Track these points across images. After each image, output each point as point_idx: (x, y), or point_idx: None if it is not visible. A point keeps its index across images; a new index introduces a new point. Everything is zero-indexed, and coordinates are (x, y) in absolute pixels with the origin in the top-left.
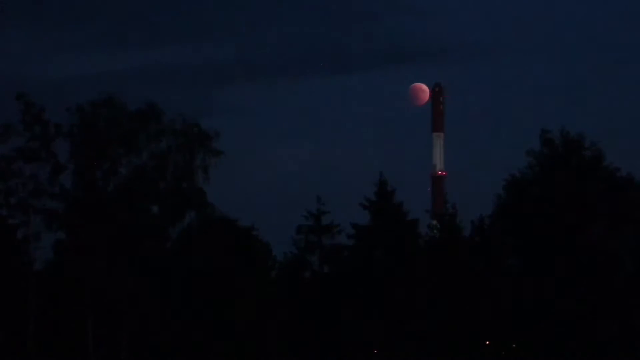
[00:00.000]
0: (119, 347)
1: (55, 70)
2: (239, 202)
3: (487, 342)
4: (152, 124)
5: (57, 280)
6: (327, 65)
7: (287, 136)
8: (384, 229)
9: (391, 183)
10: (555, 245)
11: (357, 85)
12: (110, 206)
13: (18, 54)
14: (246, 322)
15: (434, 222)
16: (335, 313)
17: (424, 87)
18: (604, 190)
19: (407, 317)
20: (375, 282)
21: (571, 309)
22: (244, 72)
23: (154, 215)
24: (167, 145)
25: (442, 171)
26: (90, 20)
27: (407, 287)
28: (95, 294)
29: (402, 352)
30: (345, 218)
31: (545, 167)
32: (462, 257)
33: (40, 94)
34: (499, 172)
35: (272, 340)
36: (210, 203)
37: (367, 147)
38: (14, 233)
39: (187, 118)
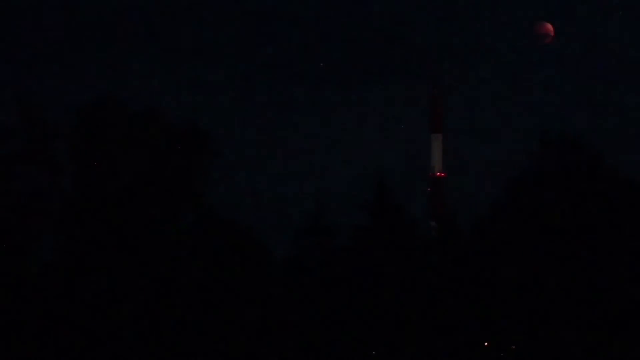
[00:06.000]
0: (119, 348)
1: None
2: (237, 203)
3: (486, 344)
4: (152, 125)
5: (56, 282)
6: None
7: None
8: (383, 230)
9: (390, 184)
10: (555, 246)
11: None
12: (110, 207)
13: None
14: (245, 323)
15: (433, 223)
16: (334, 314)
17: (549, 26)
18: (603, 191)
19: (407, 318)
20: (375, 284)
21: (571, 310)
22: None
23: (153, 216)
24: (166, 146)
25: (440, 172)
26: None
27: (406, 288)
28: (95, 295)
29: (402, 353)
30: (345, 219)
31: (544, 168)
32: (461, 258)
33: None
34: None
35: (270, 341)
36: (209, 203)
37: (366, 147)
38: (12, 235)
39: (186, 119)
